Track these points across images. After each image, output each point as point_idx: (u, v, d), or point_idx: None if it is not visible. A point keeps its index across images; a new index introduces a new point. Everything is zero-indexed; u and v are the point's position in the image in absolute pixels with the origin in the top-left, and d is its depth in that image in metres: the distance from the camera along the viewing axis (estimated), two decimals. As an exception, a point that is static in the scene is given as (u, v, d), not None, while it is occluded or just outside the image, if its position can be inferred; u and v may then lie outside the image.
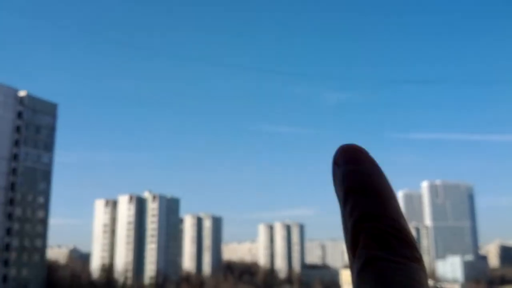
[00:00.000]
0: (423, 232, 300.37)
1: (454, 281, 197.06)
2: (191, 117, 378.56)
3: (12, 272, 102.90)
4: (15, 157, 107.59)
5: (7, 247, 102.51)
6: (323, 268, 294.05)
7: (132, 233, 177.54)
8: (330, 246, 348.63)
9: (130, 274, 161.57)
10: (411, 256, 0.57)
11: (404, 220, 0.60)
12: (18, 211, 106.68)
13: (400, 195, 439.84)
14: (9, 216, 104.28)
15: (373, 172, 0.65)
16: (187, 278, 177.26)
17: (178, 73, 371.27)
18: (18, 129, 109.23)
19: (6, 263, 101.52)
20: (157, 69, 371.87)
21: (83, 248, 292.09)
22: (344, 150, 0.67)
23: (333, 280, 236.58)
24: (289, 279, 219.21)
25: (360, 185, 0.61)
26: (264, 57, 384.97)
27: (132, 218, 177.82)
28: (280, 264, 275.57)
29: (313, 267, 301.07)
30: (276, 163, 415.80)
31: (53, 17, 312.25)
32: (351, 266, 0.62)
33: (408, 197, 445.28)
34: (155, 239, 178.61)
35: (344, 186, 0.63)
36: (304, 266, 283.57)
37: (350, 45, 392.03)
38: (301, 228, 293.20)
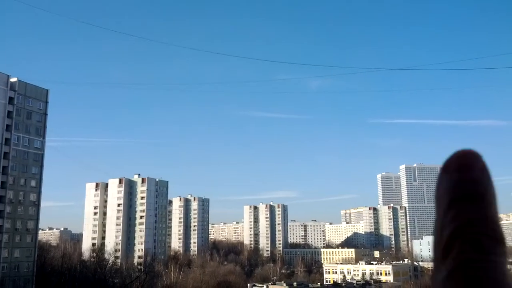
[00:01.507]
0: (400, 213, 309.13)
1: (431, 260, 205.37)
2: (180, 103, 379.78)
3: (4, 253, 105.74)
4: (6, 141, 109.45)
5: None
6: (305, 247, 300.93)
7: (121, 214, 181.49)
8: (312, 227, 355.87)
9: (119, 254, 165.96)
10: (500, 252, 0.59)
11: (498, 218, 0.62)
12: (9, 194, 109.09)
13: (378, 178, 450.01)
14: (1, 199, 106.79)
15: (481, 180, 0.65)
16: (174, 257, 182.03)
17: (169, 58, 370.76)
18: (9, 114, 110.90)
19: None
20: (144, 53, 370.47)
21: (74, 230, 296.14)
22: (457, 157, 0.67)
23: (314, 259, 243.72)
24: (272, 258, 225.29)
25: (466, 193, 0.62)
26: (251, 45, 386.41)
27: (121, 201, 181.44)
28: (264, 244, 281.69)
29: (296, 246, 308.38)
30: (262, 148, 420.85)
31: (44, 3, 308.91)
32: (437, 273, 0.63)
33: (386, 179, 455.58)
34: (144, 220, 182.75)
35: (451, 194, 0.63)
36: (287, 246, 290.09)
37: (332, 31, 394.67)
38: (284, 209, 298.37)
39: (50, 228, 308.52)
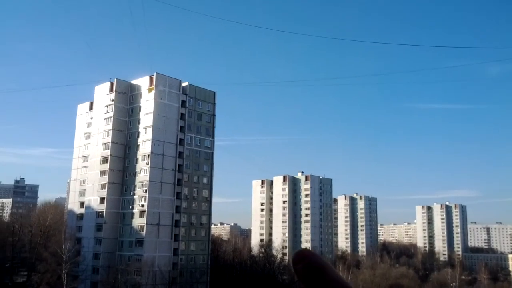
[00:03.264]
0: None
1: None
2: (339, 97, 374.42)
3: (182, 246, 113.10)
4: (180, 141, 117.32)
5: (177, 223, 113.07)
6: (488, 252, 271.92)
7: (287, 211, 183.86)
8: (496, 230, 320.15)
9: (286, 251, 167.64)
10: None
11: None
12: (185, 191, 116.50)
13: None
14: (177, 195, 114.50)
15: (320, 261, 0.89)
16: (342, 256, 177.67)
17: (322, 52, 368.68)
18: (182, 116, 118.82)
19: (175, 237, 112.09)
20: (299, 49, 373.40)
21: (243, 226, 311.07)
22: (296, 253, 0.90)
23: (500, 265, 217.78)
24: (450, 262, 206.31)
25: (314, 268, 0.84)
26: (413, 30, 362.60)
27: (286, 198, 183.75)
28: (440, 247, 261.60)
29: (477, 250, 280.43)
30: (434, 143, 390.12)
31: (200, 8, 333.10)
32: None
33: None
34: (309, 218, 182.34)
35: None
36: (467, 250, 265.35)
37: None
38: (463, 210, 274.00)
39: (221, 223, 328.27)
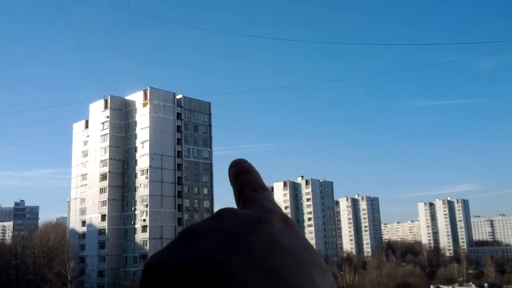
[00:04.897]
0: None
1: None
2: (335, 100, 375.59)
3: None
4: (178, 154, 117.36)
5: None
6: (493, 245, 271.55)
7: (289, 217, 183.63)
8: (500, 222, 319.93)
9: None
10: (267, 191, 0.94)
11: (261, 179, 1.01)
12: (186, 203, 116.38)
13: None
14: (179, 208, 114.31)
15: (248, 165, 1.04)
16: (348, 258, 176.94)
17: (320, 56, 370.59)
18: (178, 128, 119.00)
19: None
20: (290, 55, 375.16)
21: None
22: (234, 161, 1.02)
23: (506, 257, 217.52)
24: (456, 257, 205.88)
25: (242, 171, 0.99)
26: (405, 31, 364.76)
27: (288, 203, 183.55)
28: (445, 242, 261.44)
29: (482, 243, 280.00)
30: (431, 139, 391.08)
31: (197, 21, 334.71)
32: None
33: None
34: (312, 222, 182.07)
35: (235, 174, 1.01)
36: (472, 244, 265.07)
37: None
38: (465, 204, 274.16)
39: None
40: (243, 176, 1.01)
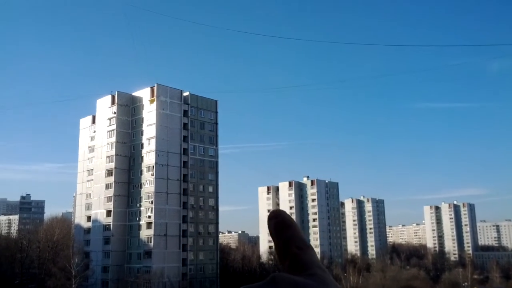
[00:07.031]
0: None
1: None
2: (338, 101, 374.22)
3: (190, 256, 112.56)
4: (184, 151, 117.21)
5: (184, 234, 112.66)
6: (499, 250, 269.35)
7: (294, 217, 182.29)
8: (506, 227, 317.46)
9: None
10: (311, 249, 1.01)
11: (302, 234, 1.07)
12: (191, 200, 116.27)
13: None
14: (184, 205, 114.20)
15: (288, 218, 1.07)
16: (352, 260, 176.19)
17: (321, 56, 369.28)
18: (185, 126, 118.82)
19: (184, 247, 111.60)
20: (299, 54, 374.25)
21: (251, 233, 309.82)
22: (272, 212, 1.06)
23: (511, 263, 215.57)
24: (461, 262, 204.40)
25: (283, 225, 1.02)
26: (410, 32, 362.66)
27: (293, 203, 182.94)
28: (450, 247, 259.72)
29: (488, 248, 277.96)
30: (439, 142, 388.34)
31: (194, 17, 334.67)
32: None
33: None
34: (317, 222, 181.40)
35: (276, 228, 1.05)
36: (477, 248, 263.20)
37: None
38: (471, 208, 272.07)
39: (229, 232, 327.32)
40: (285, 230, 1.03)
